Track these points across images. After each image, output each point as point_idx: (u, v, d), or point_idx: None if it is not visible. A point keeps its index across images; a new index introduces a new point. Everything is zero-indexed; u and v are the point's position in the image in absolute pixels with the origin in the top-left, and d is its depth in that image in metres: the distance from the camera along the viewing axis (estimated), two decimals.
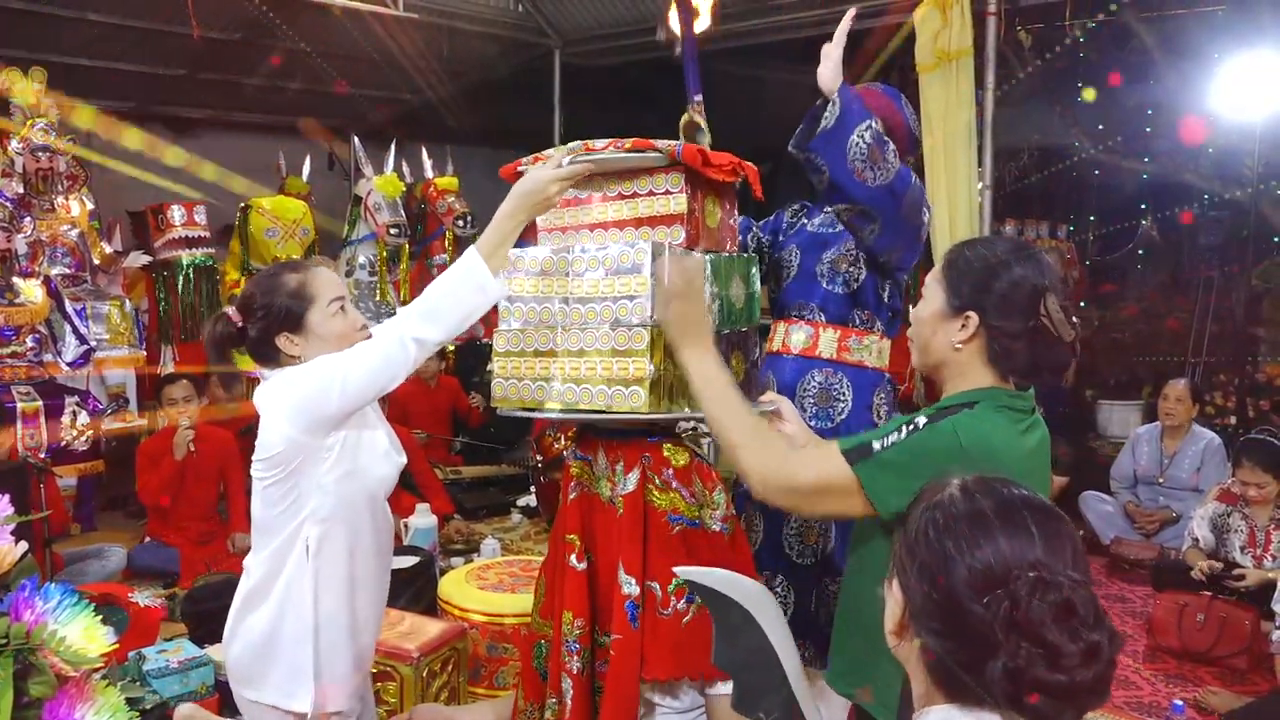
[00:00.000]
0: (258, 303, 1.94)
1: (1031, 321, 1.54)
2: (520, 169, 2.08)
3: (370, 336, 1.94)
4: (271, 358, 1.96)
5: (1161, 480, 4.87)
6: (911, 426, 1.53)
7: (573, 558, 2.02)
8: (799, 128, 2.35)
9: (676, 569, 1.75)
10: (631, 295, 1.88)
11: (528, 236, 2.13)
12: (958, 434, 1.50)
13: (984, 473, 1.48)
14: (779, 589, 2.69)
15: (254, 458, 1.92)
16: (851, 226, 2.46)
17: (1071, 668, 0.92)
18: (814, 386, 2.66)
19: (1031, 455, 1.57)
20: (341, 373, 1.84)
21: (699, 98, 2.17)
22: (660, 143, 1.92)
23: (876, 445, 1.53)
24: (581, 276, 1.95)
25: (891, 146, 2.31)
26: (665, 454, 2.01)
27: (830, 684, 1.76)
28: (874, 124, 2.26)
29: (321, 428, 1.86)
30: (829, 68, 2.23)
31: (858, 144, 2.24)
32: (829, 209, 2.59)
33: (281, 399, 1.88)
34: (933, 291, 1.64)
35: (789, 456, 1.60)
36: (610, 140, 1.96)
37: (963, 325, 1.58)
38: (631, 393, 1.87)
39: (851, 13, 2.23)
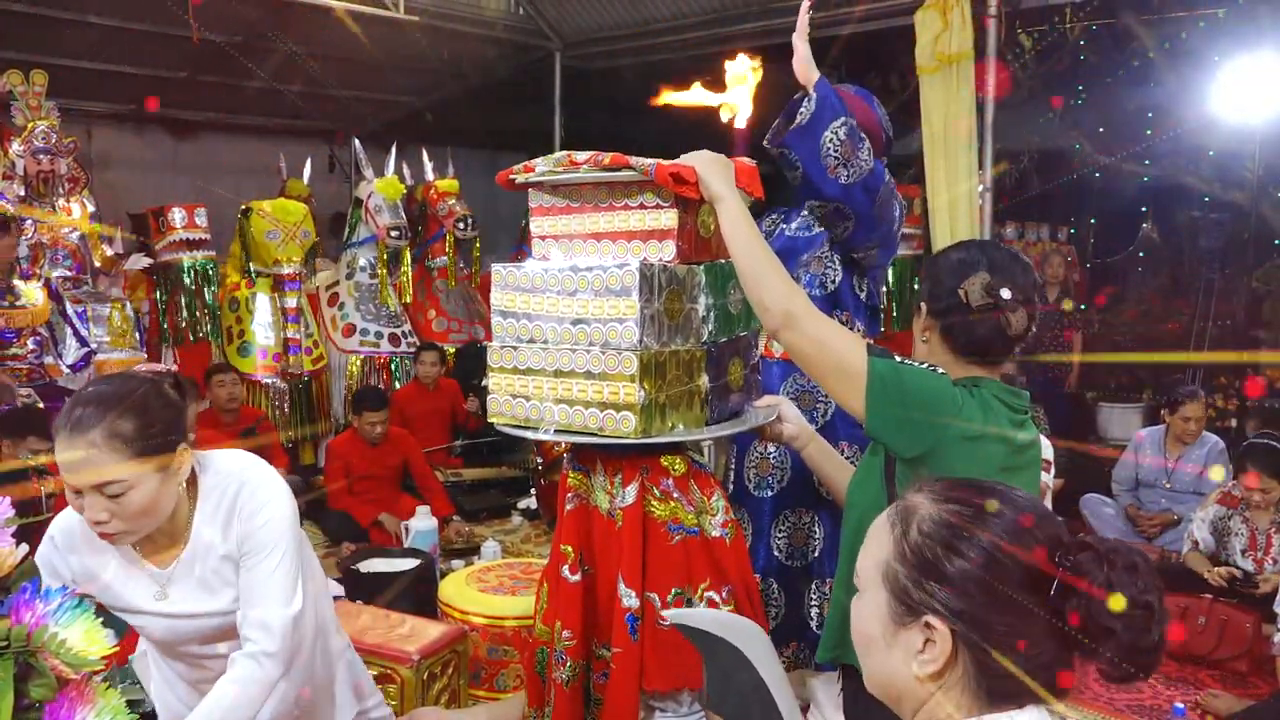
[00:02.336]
0: None
1: (953, 300, 1.65)
2: (512, 177, 2.08)
3: (106, 532, 1.59)
4: None
5: (1169, 485, 4.85)
6: (930, 367, 1.64)
7: (566, 569, 2.02)
8: (775, 122, 2.35)
9: (665, 613, 1.76)
10: (620, 318, 1.86)
11: (530, 242, 2.14)
12: (958, 398, 1.59)
13: (963, 448, 1.54)
14: (769, 591, 2.69)
15: None
16: (826, 223, 2.49)
17: (1165, 617, 0.94)
18: (796, 389, 2.67)
19: (1019, 450, 1.63)
20: None
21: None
22: (636, 160, 1.89)
23: (899, 358, 1.63)
24: (572, 296, 1.93)
25: (866, 144, 2.31)
26: (663, 464, 2.00)
27: (821, 658, 1.82)
28: (849, 120, 2.26)
29: None
30: (801, 61, 2.19)
31: (832, 139, 2.24)
32: (804, 210, 2.60)
33: None
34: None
35: (818, 311, 1.68)
36: (592, 154, 1.95)
37: (922, 317, 1.72)
38: (622, 417, 1.86)
39: (808, 3, 2.21)
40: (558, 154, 2.00)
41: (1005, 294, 1.62)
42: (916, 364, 1.62)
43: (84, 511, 1.56)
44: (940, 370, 1.63)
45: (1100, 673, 0.96)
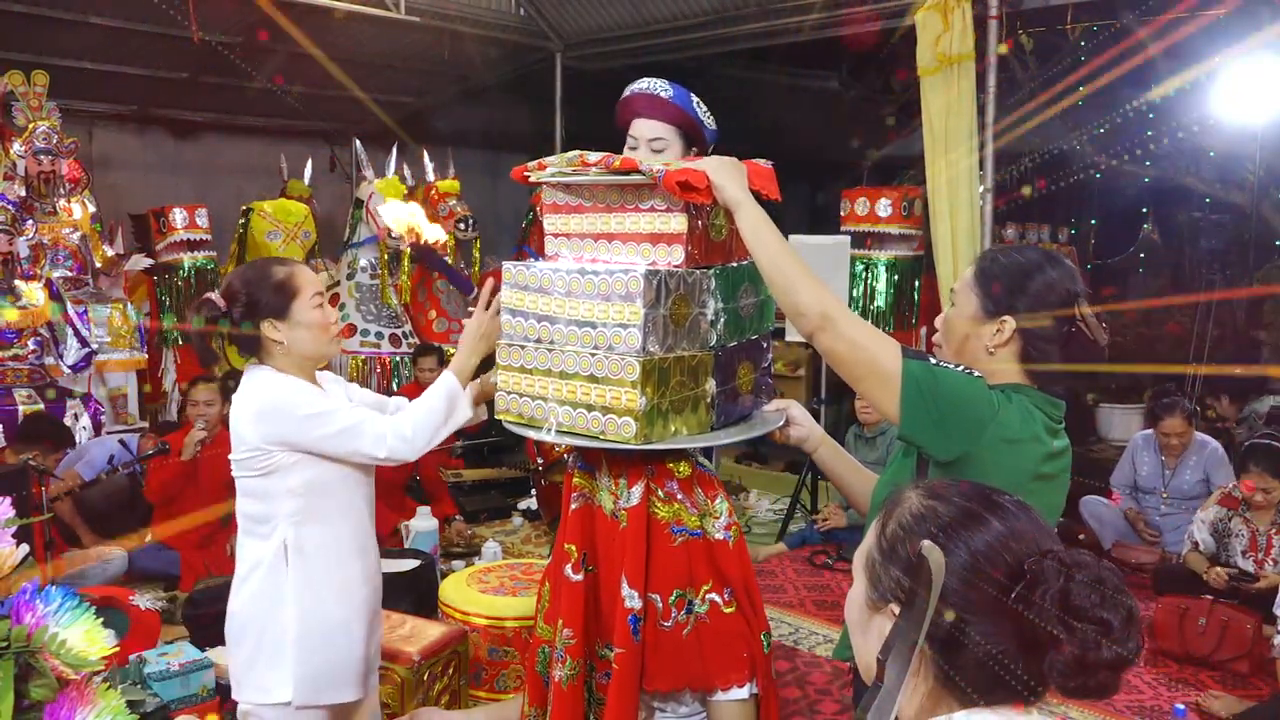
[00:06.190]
0: (244, 291, 2.08)
1: (1067, 325, 1.58)
2: (527, 174, 2.08)
3: (341, 330, 2.19)
4: (252, 345, 2.11)
5: (1165, 494, 4.82)
6: (966, 370, 1.58)
7: (569, 568, 2.01)
8: None
9: None
10: (624, 324, 1.85)
11: (531, 242, 2.14)
12: (995, 402, 1.54)
13: (998, 452, 1.52)
14: None
15: (232, 456, 2.08)
16: None
17: (1124, 639, 0.93)
18: None
19: (1051, 458, 1.59)
20: (324, 419, 2.02)
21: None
22: (645, 164, 1.88)
23: (934, 360, 1.58)
24: (578, 298, 1.92)
25: None
26: (668, 466, 2.00)
27: (837, 655, 1.81)
28: None
29: (280, 446, 2.02)
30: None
31: None
32: None
33: (256, 401, 2.05)
34: (965, 297, 1.67)
35: (852, 313, 1.64)
36: (604, 155, 1.94)
37: (998, 330, 1.62)
38: (623, 423, 1.85)
39: None
40: (570, 153, 1.99)
41: (1105, 324, 1.60)
42: (952, 366, 1.59)
43: (330, 312, 2.14)
44: (976, 374, 1.59)
45: (1055, 685, 0.95)
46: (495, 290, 2.15)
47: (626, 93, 2.20)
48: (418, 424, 2.08)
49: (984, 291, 1.64)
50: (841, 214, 6.11)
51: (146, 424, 5.56)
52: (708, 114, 2.21)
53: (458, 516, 5.07)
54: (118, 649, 1.33)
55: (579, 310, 1.92)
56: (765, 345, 2.25)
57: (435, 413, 2.10)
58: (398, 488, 5.01)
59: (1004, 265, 1.65)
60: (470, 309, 2.19)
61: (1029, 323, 1.60)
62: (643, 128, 2.15)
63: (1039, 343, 1.60)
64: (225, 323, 2.10)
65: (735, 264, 2.09)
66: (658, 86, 2.16)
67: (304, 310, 2.09)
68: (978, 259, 1.72)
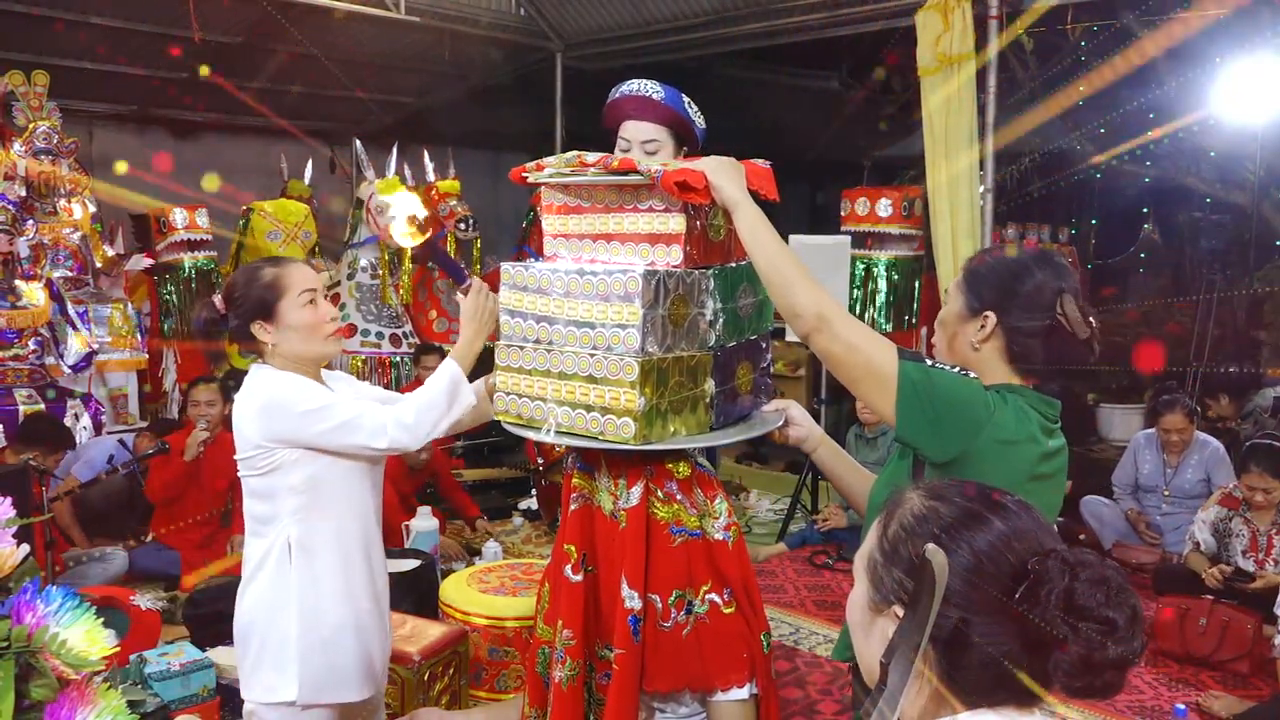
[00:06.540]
0: (238, 292, 2.11)
1: (1048, 321, 1.59)
2: (525, 174, 2.07)
3: (339, 328, 2.18)
4: (250, 345, 2.15)
5: (1167, 492, 4.81)
6: (962, 372, 1.59)
7: (568, 569, 2.02)
8: None
9: None
10: (623, 324, 1.85)
11: (531, 242, 2.14)
12: (991, 403, 1.55)
13: (994, 453, 1.52)
14: None
15: (236, 456, 2.08)
16: None
17: (1129, 638, 0.93)
18: None
19: (1047, 458, 1.59)
20: (322, 414, 2.01)
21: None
22: (643, 165, 1.88)
23: (930, 361, 1.59)
24: (577, 299, 1.92)
25: None
26: (668, 466, 2.00)
27: (836, 656, 1.81)
28: None
29: (281, 443, 2.03)
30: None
31: None
32: None
33: (257, 398, 2.05)
34: (953, 296, 1.70)
35: (849, 314, 1.64)
36: (602, 156, 1.94)
37: (981, 325, 1.64)
38: (622, 423, 1.85)
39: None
40: (569, 154, 1.99)
41: (1093, 320, 1.60)
42: (947, 368, 1.59)
43: (323, 311, 2.12)
44: (972, 375, 1.60)
45: (1060, 685, 0.95)
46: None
47: (615, 94, 2.17)
48: (420, 410, 2.06)
49: (969, 290, 1.67)
50: (841, 214, 6.11)
51: (146, 424, 5.56)
52: (698, 113, 2.20)
53: (482, 515, 5.13)
54: (118, 649, 1.33)
55: (578, 311, 1.92)
56: (764, 345, 2.24)
57: (438, 397, 2.07)
58: (410, 498, 5.00)
59: (990, 264, 1.68)
60: (462, 295, 2.16)
61: (1010, 318, 1.62)
62: (635, 130, 2.13)
63: (1020, 338, 1.62)
64: (224, 325, 2.12)
65: (734, 264, 2.08)
66: (649, 88, 2.13)
67: (291, 310, 2.08)
68: (967, 260, 1.75)
